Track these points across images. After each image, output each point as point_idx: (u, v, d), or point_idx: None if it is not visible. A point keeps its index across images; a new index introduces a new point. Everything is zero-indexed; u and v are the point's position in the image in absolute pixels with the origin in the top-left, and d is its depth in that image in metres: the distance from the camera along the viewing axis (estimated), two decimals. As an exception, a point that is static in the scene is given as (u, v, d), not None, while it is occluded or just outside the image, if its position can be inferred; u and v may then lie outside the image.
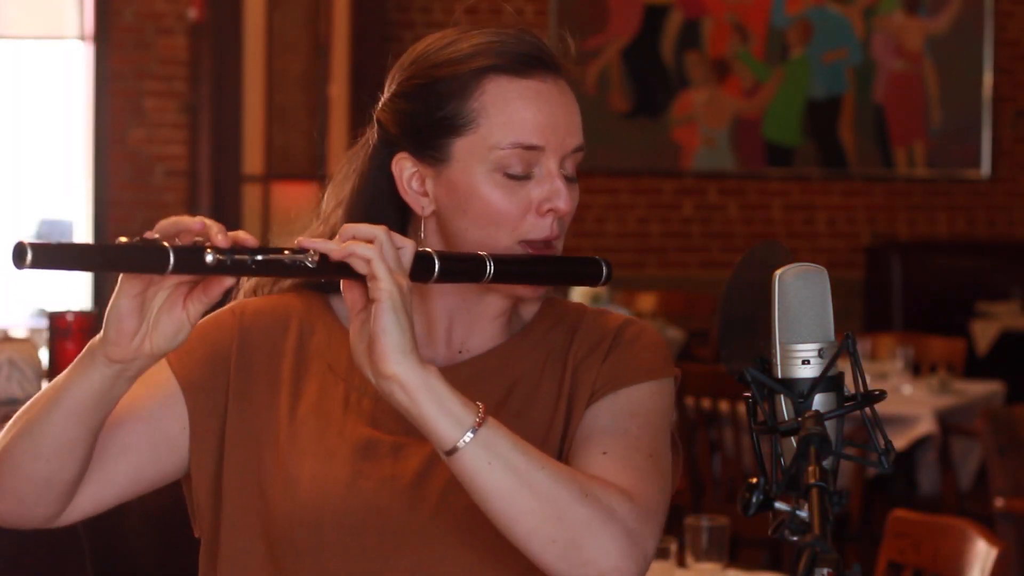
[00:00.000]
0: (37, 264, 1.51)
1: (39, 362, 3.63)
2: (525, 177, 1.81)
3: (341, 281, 1.69)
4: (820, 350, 1.51)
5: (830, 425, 1.49)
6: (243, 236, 1.62)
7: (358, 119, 1.95)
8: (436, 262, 1.71)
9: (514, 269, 1.79)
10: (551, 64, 1.84)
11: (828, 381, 1.51)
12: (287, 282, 1.93)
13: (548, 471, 1.68)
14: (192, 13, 8.32)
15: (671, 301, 8.14)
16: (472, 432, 1.65)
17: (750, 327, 1.57)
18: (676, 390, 1.88)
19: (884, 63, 9.15)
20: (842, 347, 1.52)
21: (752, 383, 1.52)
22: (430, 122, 1.82)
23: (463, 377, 1.81)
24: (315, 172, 7.94)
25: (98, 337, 1.68)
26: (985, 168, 9.23)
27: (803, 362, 1.51)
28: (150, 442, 1.82)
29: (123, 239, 1.57)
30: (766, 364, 1.53)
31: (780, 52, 9.11)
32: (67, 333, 3.62)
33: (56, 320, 3.69)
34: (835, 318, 1.53)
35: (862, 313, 9.02)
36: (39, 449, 1.72)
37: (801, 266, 1.53)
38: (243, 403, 1.85)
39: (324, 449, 1.81)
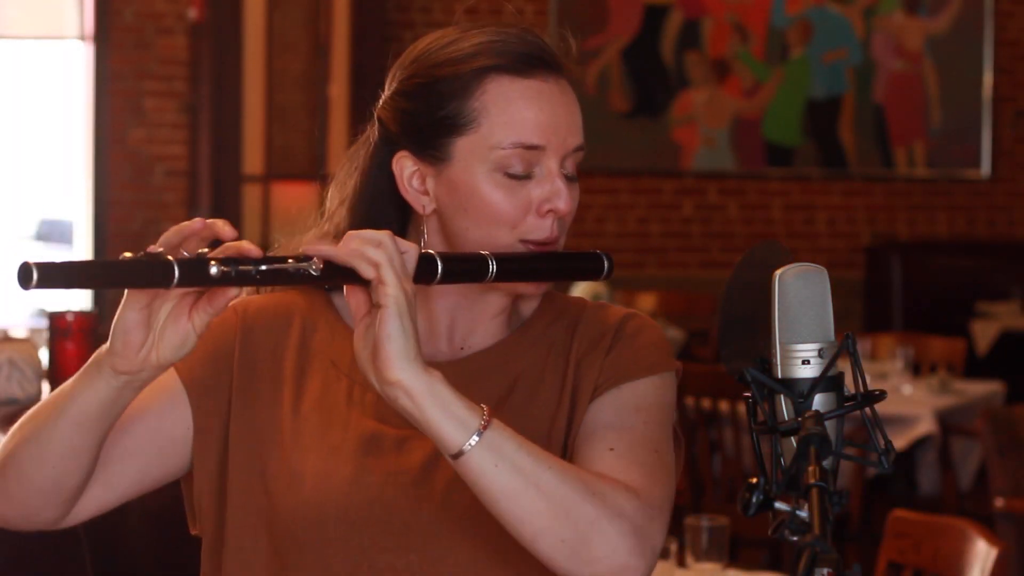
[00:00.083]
0: (43, 284, 1.52)
1: (39, 362, 3.63)
2: (526, 177, 1.81)
3: (344, 286, 1.69)
4: (820, 350, 1.51)
5: (830, 425, 1.49)
6: (246, 246, 1.63)
7: (358, 119, 1.95)
8: (439, 264, 1.71)
9: (516, 267, 1.79)
10: (553, 64, 1.84)
11: (828, 381, 1.51)
12: None
13: (554, 471, 1.68)
14: (192, 13, 8.32)
15: (671, 301, 8.14)
16: (478, 435, 1.65)
17: (750, 327, 1.57)
18: (677, 384, 1.88)
19: (884, 63, 9.15)
20: (842, 347, 1.53)
21: (752, 383, 1.52)
22: (431, 121, 1.82)
23: (466, 374, 1.82)
24: (315, 172, 7.93)
25: (104, 348, 1.68)
26: (985, 168, 9.23)
27: (803, 362, 1.51)
28: (155, 443, 1.83)
29: (127, 255, 1.58)
30: (766, 364, 1.53)
31: (780, 52, 9.11)
32: (67, 333, 3.62)
33: (56, 320, 3.69)
34: (835, 318, 1.53)
35: (862, 313, 9.02)
36: (45, 456, 1.73)
37: (801, 266, 1.53)
38: (246, 401, 1.85)
39: (328, 445, 1.81)
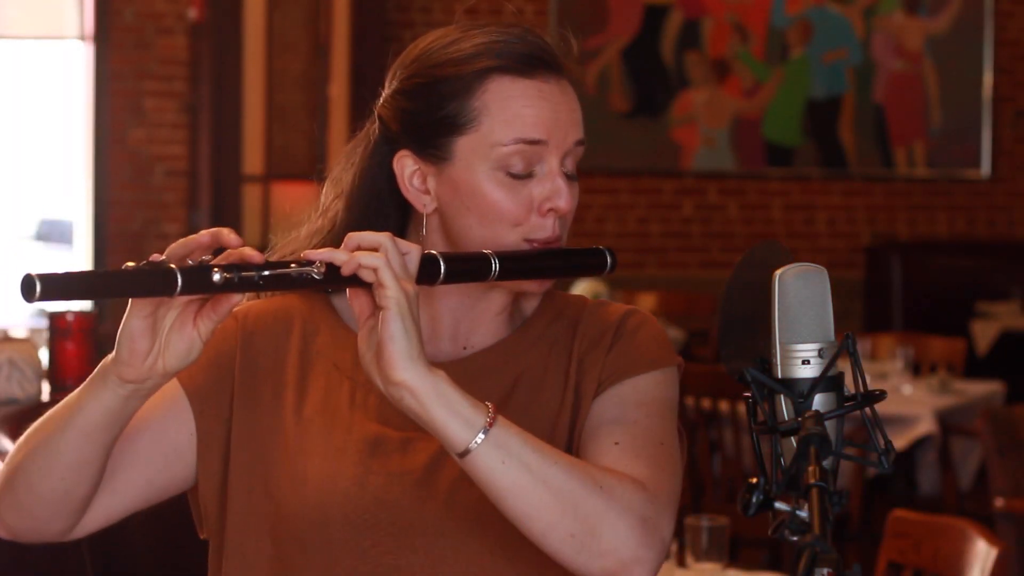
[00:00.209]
0: (47, 296, 1.53)
1: (39, 362, 3.63)
2: (527, 176, 1.81)
3: (347, 289, 1.69)
4: (820, 350, 1.52)
5: (830, 425, 1.49)
6: (249, 252, 1.63)
7: (358, 119, 1.95)
8: (442, 264, 1.71)
9: (519, 265, 1.79)
10: (553, 64, 1.84)
11: (828, 381, 1.51)
12: None
13: (561, 466, 1.69)
14: (192, 13, 8.32)
15: (671, 301, 8.14)
16: (484, 433, 1.65)
17: (750, 327, 1.57)
18: (679, 379, 1.89)
19: (884, 63, 9.15)
20: (842, 347, 1.53)
21: (752, 383, 1.52)
22: (432, 121, 1.82)
23: (469, 373, 1.82)
24: (315, 172, 7.93)
25: (110, 357, 1.69)
26: (985, 168, 9.23)
27: (803, 362, 1.51)
28: (160, 452, 1.83)
29: (130, 264, 1.58)
30: (766, 364, 1.53)
31: (780, 52, 9.11)
32: (67, 333, 3.62)
33: (56, 320, 3.69)
34: (835, 318, 1.53)
35: (862, 313, 9.02)
36: (53, 467, 1.74)
37: (801, 266, 1.53)
38: (248, 406, 1.85)
39: (332, 447, 1.82)
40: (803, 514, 1.43)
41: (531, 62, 1.82)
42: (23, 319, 7.90)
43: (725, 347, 1.59)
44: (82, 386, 1.72)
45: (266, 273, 1.62)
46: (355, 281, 1.66)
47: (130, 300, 1.65)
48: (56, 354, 3.63)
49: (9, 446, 2.85)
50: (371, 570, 1.79)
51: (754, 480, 1.50)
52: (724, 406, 5.51)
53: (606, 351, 1.85)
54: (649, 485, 1.73)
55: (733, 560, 3.43)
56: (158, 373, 1.67)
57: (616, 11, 9.01)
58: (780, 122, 9.11)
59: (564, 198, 1.81)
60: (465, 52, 1.82)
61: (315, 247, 1.80)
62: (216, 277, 1.59)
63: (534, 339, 1.89)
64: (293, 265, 1.64)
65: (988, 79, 9.16)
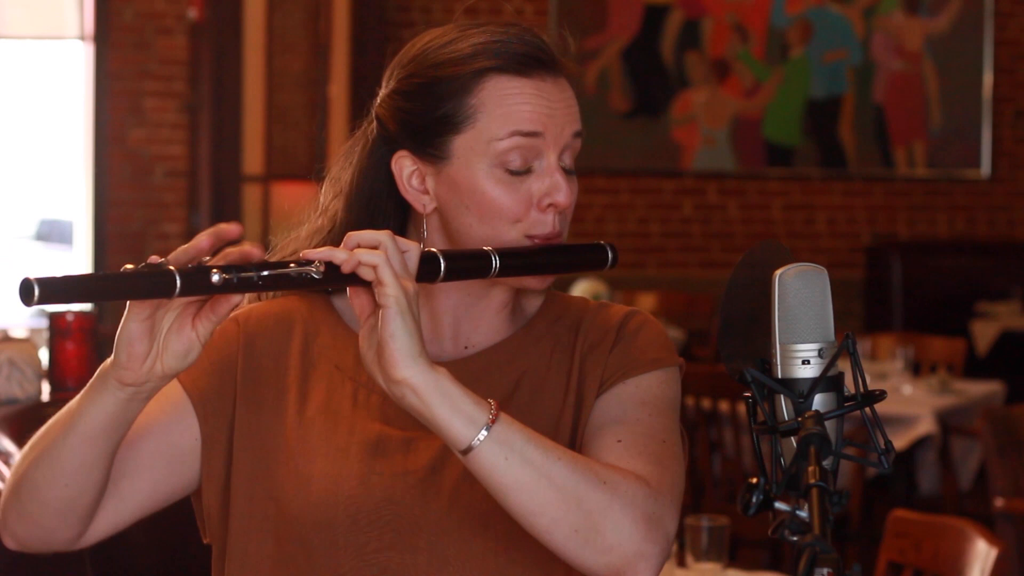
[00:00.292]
0: (45, 300, 1.52)
1: (39, 362, 3.63)
2: (525, 172, 1.81)
3: (348, 288, 1.69)
4: (820, 350, 1.51)
5: (830, 425, 1.49)
6: (249, 249, 1.63)
7: (358, 119, 1.95)
8: (442, 262, 1.71)
9: (520, 261, 1.79)
10: (550, 63, 1.84)
11: (828, 381, 1.51)
12: None
13: (564, 461, 1.69)
14: (192, 13, 8.32)
15: (671, 301, 8.15)
16: (486, 429, 1.65)
17: (750, 327, 1.57)
18: (681, 379, 1.89)
19: (884, 63, 9.15)
20: (842, 347, 1.52)
21: (752, 383, 1.52)
22: (429, 121, 1.82)
23: (471, 372, 1.82)
24: (315, 172, 7.92)
25: (109, 361, 1.68)
26: (985, 168, 9.23)
27: (803, 362, 1.51)
28: (164, 457, 1.83)
29: (129, 266, 1.58)
30: (766, 364, 1.53)
31: (780, 52, 9.11)
32: (67, 333, 3.62)
33: (56, 320, 3.69)
34: (835, 318, 1.53)
35: (862, 313, 9.02)
36: (58, 475, 1.73)
37: (801, 266, 1.53)
38: (250, 409, 1.85)
39: (335, 448, 1.82)
40: (803, 514, 1.43)
41: (528, 62, 1.82)
42: (23, 319, 7.91)
43: (725, 347, 1.59)
44: (82, 392, 1.72)
45: (265, 273, 1.62)
46: (355, 280, 1.65)
47: (128, 303, 1.65)
48: (56, 354, 3.63)
49: (9, 446, 2.85)
50: (375, 570, 1.79)
51: (754, 480, 1.50)
52: (724, 406, 5.52)
53: (608, 351, 1.85)
54: (652, 481, 1.74)
55: (733, 560, 3.43)
56: (157, 375, 1.67)
57: (616, 11, 9.01)
58: (780, 122, 9.11)
59: (563, 193, 1.81)
60: (463, 52, 1.82)
61: (315, 247, 1.79)
62: (215, 278, 1.59)
63: (536, 339, 1.89)
64: (292, 265, 1.64)
65: (988, 79, 9.16)
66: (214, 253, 1.63)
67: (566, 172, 1.83)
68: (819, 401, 1.51)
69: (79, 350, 3.62)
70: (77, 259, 8.53)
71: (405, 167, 1.85)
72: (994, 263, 9.00)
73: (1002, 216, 9.31)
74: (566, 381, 1.86)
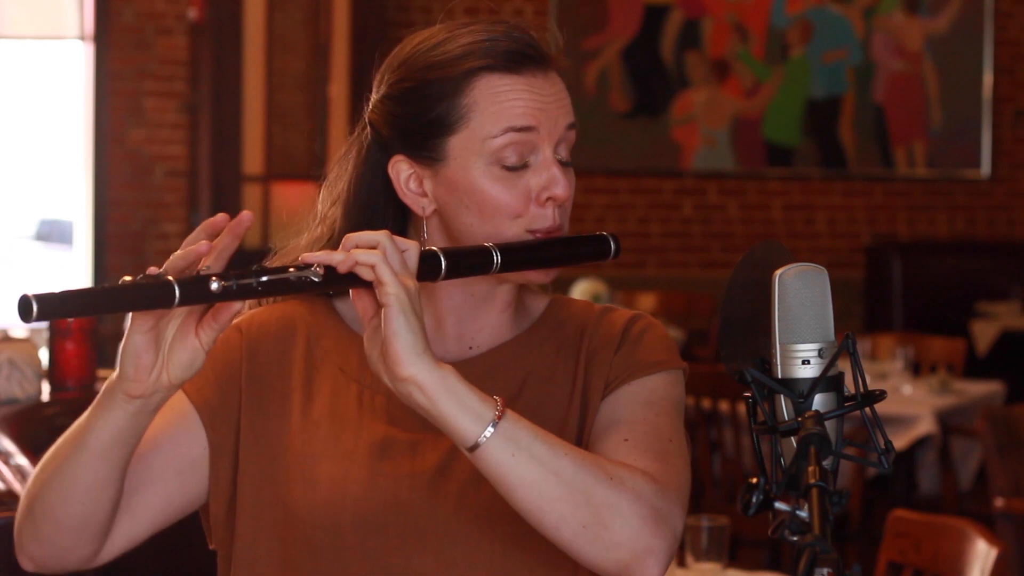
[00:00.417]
0: (43, 316, 1.52)
1: (39, 362, 3.62)
2: (522, 167, 1.81)
3: (351, 290, 1.69)
4: (820, 350, 1.51)
5: (830, 425, 1.49)
6: (245, 215, 1.64)
7: (358, 119, 1.95)
8: (442, 260, 1.71)
9: (521, 256, 1.79)
10: (540, 59, 1.84)
11: (828, 381, 1.51)
12: None
13: (571, 457, 1.69)
14: (192, 13, 8.32)
15: (671, 301, 8.14)
16: (493, 426, 1.65)
17: (750, 327, 1.57)
18: (685, 382, 1.89)
19: (884, 63, 9.15)
20: (842, 347, 1.52)
21: (752, 383, 1.52)
22: (423, 124, 1.82)
23: (476, 373, 1.82)
24: (315, 172, 7.93)
25: (115, 375, 1.69)
26: (985, 168, 9.23)
27: (803, 362, 1.51)
28: (174, 469, 1.83)
29: (127, 278, 1.58)
30: (766, 364, 1.53)
31: (780, 52, 9.11)
32: (67, 333, 3.62)
33: (56, 320, 3.69)
34: (835, 318, 1.53)
35: (862, 313, 9.02)
36: (71, 494, 1.73)
37: (801, 266, 1.53)
38: (256, 415, 1.85)
39: (341, 450, 1.82)
40: (803, 514, 1.43)
41: (518, 59, 1.82)
42: (23, 319, 7.90)
43: (725, 347, 1.59)
44: (90, 409, 1.72)
45: (264, 279, 1.62)
46: (354, 280, 1.65)
47: (130, 316, 1.65)
48: (56, 354, 3.62)
49: (9, 446, 2.85)
50: (381, 572, 1.79)
51: (754, 480, 1.50)
52: (724, 406, 5.52)
53: (613, 353, 1.86)
54: (659, 477, 1.74)
55: (733, 560, 3.43)
56: (164, 386, 1.67)
57: (616, 11, 9.01)
58: (780, 122, 9.11)
59: (561, 185, 1.81)
60: (452, 53, 1.82)
61: (315, 254, 1.79)
62: (214, 286, 1.59)
63: (540, 341, 1.89)
64: (291, 269, 1.64)
65: (988, 79, 9.16)
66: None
67: (563, 165, 1.83)
68: (819, 401, 1.51)
69: (79, 350, 3.61)
70: (77, 259, 8.53)
71: (402, 171, 1.84)
72: (994, 263, 9.00)
73: (1002, 216, 9.31)
74: (571, 383, 1.86)
